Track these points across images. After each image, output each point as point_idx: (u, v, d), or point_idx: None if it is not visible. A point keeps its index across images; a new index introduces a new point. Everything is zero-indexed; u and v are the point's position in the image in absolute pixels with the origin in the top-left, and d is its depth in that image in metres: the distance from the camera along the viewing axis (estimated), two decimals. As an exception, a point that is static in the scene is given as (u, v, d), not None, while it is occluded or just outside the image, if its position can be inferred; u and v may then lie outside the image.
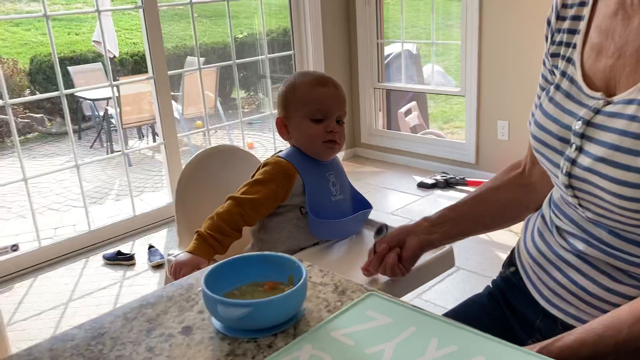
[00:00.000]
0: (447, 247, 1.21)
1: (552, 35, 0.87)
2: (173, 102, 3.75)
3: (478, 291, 1.07)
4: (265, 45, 3.91)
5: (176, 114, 4.80)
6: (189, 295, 0.82)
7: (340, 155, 4.27)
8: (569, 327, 0.80)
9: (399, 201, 3.41)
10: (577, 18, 0.82)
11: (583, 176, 0.74)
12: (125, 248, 3.03)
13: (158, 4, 3.09)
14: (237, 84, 4.16)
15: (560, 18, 0.86)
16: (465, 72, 3.56)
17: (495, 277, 1.05)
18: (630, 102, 0.69)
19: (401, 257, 1.04)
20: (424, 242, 1.05)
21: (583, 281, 0.79)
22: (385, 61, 4.35)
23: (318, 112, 1.28)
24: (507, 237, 2.83)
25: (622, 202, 0.69)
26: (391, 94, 4.47)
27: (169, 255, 1.38)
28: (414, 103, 4.59)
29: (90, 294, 2.62)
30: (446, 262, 1.21)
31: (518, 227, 1.02)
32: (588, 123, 0.74)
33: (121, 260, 2.88)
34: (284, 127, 1.33)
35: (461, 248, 2.77)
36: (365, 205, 1.36)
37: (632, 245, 0.74)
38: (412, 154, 4.02)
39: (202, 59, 4.88)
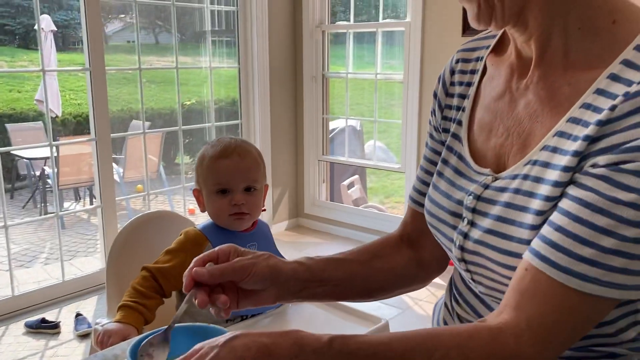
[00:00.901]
0: (382, 321, 1.22)
1: (442, 111, 0.90)
2: (114, 164, 3.69)
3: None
4: (212, 113, 3.95)
5: (116, 177, 4.71)
6: (113, 366, 0.78)
7: (283, 225, 4.27)
8: None
9: (339, 273, 3.39)
10: (463, 96, 0.87)
11: (474, 249, 0.76)
12: (50, 315, 2.86)
13: (106, 67, 3.10)
14: (181, 149, 4.15)
15: (448, 95, 0.90)
16: (406, 150, 3.70)
17: None
18: (515, 176, 0.73)
19: (243, 297, 0.79)
20: (285, 297, 0.83)
21: None
22: (330, 135, 4.47)
23: (220, 185, 1.29)
24: (443, 313, 2.86)
25: (508, 272, 0.71)
26: (334, 167, 4.57)
27: (96, 323, 1.32)
28: (356, 177, 4.69)
29: (6, 365, 2.44)
30: (381, 336, 1.21)
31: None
32: (479, 198, 0.77)
33: (45, 328, 2.71)
34: (200, 198, 1.34)
35: (398, 324, 2.77)
36: None
37: None
38: (354, 227, 4.07)
39: (147, 123, 4.87)
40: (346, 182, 4.52)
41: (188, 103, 7.43)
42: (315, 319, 1.25)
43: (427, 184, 0.92)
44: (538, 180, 0.70)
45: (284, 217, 4.30)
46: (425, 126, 3.57)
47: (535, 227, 0.68)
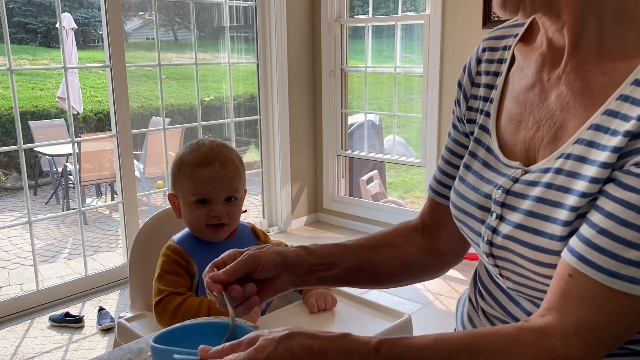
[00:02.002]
0: (405, 315, 1.21)
1: (467, 101, 0.88)
2: (135, 161, 3.72)
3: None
4: (231, 109, 3.96)
5: (137, 173, 4.75)
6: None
7: (302, 220, 4.27)
8: None
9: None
10: (490, 87, 0.84)
11: (503, 244, 0.74)
12: (74, 310, 2.90)
13: (126, 64, 3.12)
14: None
15: (474, 84, 0.87)
16: (426, 144, 3.67)
17: None
18: (546, 170, 0.71)
19: (259, 290, 0.81)
20: (298, 283, 0.85)
21: None
22: (349, 130, 4.45)
23: (200, 195, 1.23)
24: (464, 308, 2.84)
25: (538, 268, 0.70)
26: (354, 162, 4.55)
27: (119, 318, 1.33)
28: (375, 172, 4.67)
29: (32, 358, 2.48)
30: (404, 332, 1.21)
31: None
32: (508, 192, 0.75)
33: (69, 322, 2.75)
34: (176, 204, 1.29)
35: (420, 319, 2.75)
36: None
37: None
38: (373, 222, 4.05)
39: (167, 120, 4.90)
40: (365, 177, 4.51)
41: (207, 99, 7.47)
42: (338, 313, 1.24)
43: (447, 175, 0.91)
44: (573, 175, 0.68)
45: (303, 212, 4.30)
46: (446, 120, 3.54)
47: (569, 223, 0.66)
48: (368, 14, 4.10)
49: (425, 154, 3.68)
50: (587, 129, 0.68)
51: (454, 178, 0.88)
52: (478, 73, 0.87)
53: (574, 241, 0.65)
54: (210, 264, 0.80)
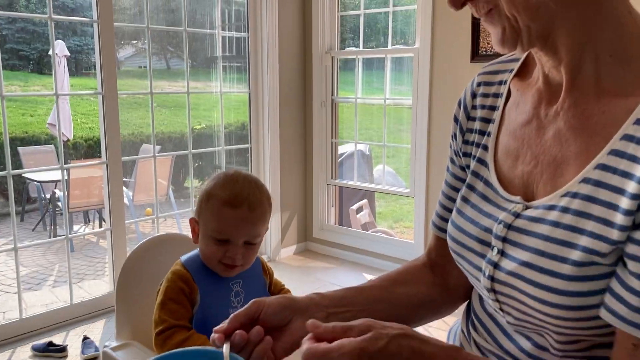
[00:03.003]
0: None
1: (463, 134, 0.88)
2: (124, 188, 3.71)
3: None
4: (222, 137, 3.98)
5: (126, 200, 4.73)
6: (122, 390, 0.78)
7: (291, 249, 4.26)
8: None
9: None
10: (487, 120, 0.84)
11: (506, 280, 0.73)
12: (58, 339, 2.85)
13: (118, 92, 3.14)
14: (191, 173, 4.18)
15: (470, 118, 0.87)
16: (415, 175, 3.70)
17: None
18: (551, 207, 0.71)
19: (275, 341, 0.76)
20: None
21: None
22: (339, 159, 4.48)
23: (220, 234, 1.21)
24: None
25: (545, 307, 0.69)
26: (343, 191, 4.57)
27: (105, 347, 1.31)
28: (365, 201, 4.69)
29: (12, 388, 2.42)
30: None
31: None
32: (510, 226, 0.74)
33: (52, 352, 2.70)
34: (195, 229, 1.27)
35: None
36: None
37: (547, 353, 0.74)
38: (362, 251, 4.05)
39: (157, 147, 4.91)
40: (355, 207, 4.52)
41: (198, 127, 7.50)
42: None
43: (448, 210, 0.91)
44: (581, 214, 0.67)
45: (293, 241, 4.29)
46: (434, 151, 3.58)
47: (582, 264, 0.66)
48: (359, 47, 4.17)
49: (414, 184, 3.71)
50: (593, 168, 0.68)
51: None
52: (473, 107, 0.88)
53: (624, 311, 0.64)
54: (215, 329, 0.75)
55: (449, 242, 0.85)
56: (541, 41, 0.71)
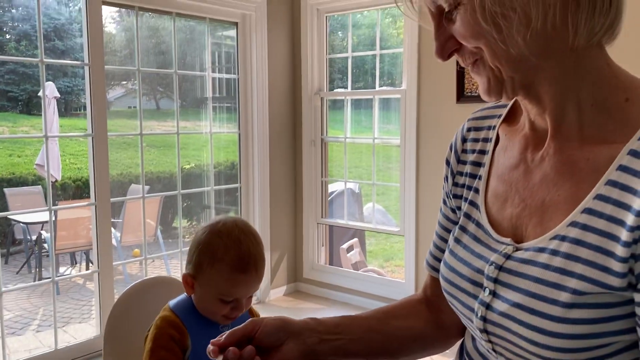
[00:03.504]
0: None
1: (454, 177, 0.91)
2: (112, 228, 3.68)
3: None
4: (212, 177, 3.98)
5: (114, 241, 4.68)
6: None
7: (281, 290, 4.21)
8: None
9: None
10: (477, 164, 0.87)
11: (498, 321, 0.74)
12: (41, 385, 2.77)
13: (108, 133, 3.15)
14: (180, 213, 4.15)
15: (460, 162, 0.90)
16: (404, 213, 3.71)
17: None
18: (541, 250, 0.72)
19: (268, 358, 0.81)
20: (308, 352, 0.84)
21: None
22: (329, 198, 4.49)
23: (230, 296, 1.22)
24: (447, 381, 2.78)
25: (535, 348, 0.69)
26: (334, 230, 4.56)
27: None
28: (355, 240, 4.68)
29: None
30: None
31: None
32: (500, 268, 0.75)
33: (35, 399, 2.62)
34: (190, 283, 1.25)
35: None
36: None
37: None
38: (353, 291, 4.01)
39: (146, 187, 4.89)
40: (345, 246, 4.50)
41: (187, 167, 7.50)
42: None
43: (442, 250, 0.92)
44: (570, 257, 0.69)
45: (283, 282, 4.25)
46: (423, 189, 3.60)
47: (572, 306, 0.67)
48: (347, 87, 4.23)
49: (404, 222, 3.71)
50: (580, 212, 0.70)
51: None
52: (464, 151, 0.90)
53: None
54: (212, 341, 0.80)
55: (442, 282, 0.86)
56: (524, 90, 0.74)
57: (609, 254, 0.66)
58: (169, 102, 10.38)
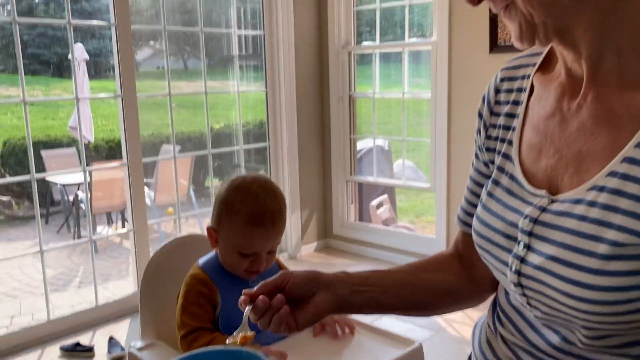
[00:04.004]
0: (416, 343, 1.20)
1: (487, 130, 0.88)
2: (145, 188, 3.74)
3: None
4: (241, 136, 3.99)
5: (148, 201, 4.77)
6: (148, 392, 0.78)
7: (312, 246, 4.26)
8: None
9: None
10: (511, 115, 0.84)
11: (533, 275, 0.73)
12: (85, 339, 2.89)
13: (137, 94, 3.17)
14: (211, 172, 4.19)
15: (494, 114, 0.87)
16: (435, 169, 3.67)
17: None
18: (578, 201, 0.70)
19: (299, 311, 0.82)
20: (340, 303, 0.84)
21: None
22: (358, 155, 4.46)
23: (247, 250, 1.24)
24: (478, 334, 2.80)
25: (571, 301, 0.68)
26: (363, 187, 4.55)
27: (130, 347, 1.32)
28: (385, 196, 4.67)
29: (42, 388, 2.47)
30: (416, 360, 1.19)
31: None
32: (535, 221, 0.74)
33: (80, 352, 2.74)
34: (214, 237, 1.28)
35: (431, 346, 2.72)
36: None
37: (573, 358, 0.74)
38: (383, 247, 4.03)
39: (177, 147, 4.94)
40: (375, 202, 4.50)
41: (217, 127, 7.54)
42: (348, 341, 1.23)
43: (473, 205, 0.91)
44: (609, 208, 0.67)
45: (313, 239, 4.29)
46: (454, 144, 3.54)
47: (609, 258, 0.65)
48: (375, 41, 4.14)
49: (435, 178, 3.68)
50: (620, 161, 0.67)
51: None
52: (497, 102, 0.87)
53: None
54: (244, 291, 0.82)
55: (474, 237, 0.85)
56: (558, 36, 0.70)
57: None
58: (197, 61, 10.36)
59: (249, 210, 1.22)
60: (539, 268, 0.72)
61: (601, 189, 0.68)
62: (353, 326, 1.25)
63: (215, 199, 1.29)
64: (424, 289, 0.92)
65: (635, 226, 0.64)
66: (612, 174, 0.67)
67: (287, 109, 3.95)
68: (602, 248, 0.66)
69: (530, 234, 0.74)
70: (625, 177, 0.66)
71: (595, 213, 0.68)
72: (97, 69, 10.55)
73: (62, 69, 10.49)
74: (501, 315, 0.86)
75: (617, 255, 0.65)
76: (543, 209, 0.74)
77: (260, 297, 0.79)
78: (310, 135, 4.15)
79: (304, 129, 4.09)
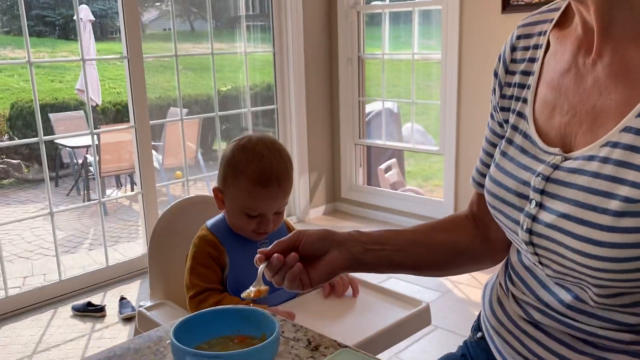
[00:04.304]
0: (423, 304, 1.20)
1: (502, 89, 0.87)
2: (153, 151, 3.74)
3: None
4: (248, 99, 3.96)
5: (156, 164, 4.78)
6: (157, 348, 0.79)
7: (320, 209, 4.27)
8: None
9: (377, 257, 3.39)
10: (526, 73, 0.83)
11: (545, 233, 0.72)
12: (96, 299, 2.94)
13: (143, 55, 3.13)
14: (219, 135, 4.18)
15: (509, 72, 0.86)
16: (445, 132, 3.63)
17: (466, 339, 1.03)
18: (591, 158, 0.69)
19: (312, 269, 0.84)
20: (353, 261, 0.86)
21: (542, 352, 0.79)
22: (367, 118, 4.43)
23: (254, 211, 1.22)
24: (484, 296, 2.82)
25: (583, 259, 0.68)
26: (372, 151, 4.53)
27: (139, 307, 1.34)
28: (394, 160, 4.64)
29: (56, 346, 2.52)
30: (422, 320, 1.20)
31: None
32: (548, 179, 0.73)
33: (91, 311, 2.79)
34: (220, 197, 1.28)
35: (438, 307, 2.74)
36: None
37: (584, 316, 0.74)
38: (391, 210, 4.03)
39: (185, 110, 4.92)
40: (383, 166, 4.48)
41: (224, 89, 7.49)
42: (355, 301, 1.24)
43: (487, 166, 0.90)
44: (623, 164, 0.66)
45: (321, 202, 4.30)
46: (464, 107, 3.50)
47: (623, 214, 0.64)
48: (385, 0, 4.05)
49: (444, 141, 3.65)
50: (635, 116, 0.66)
51: None
52: (513, 60, 0.86)
53: None
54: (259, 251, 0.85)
55: (487, 196, 0.84)
56: None
57: None
58: (203, 22, 10.23)
59: (255, 170, 1.20)
60: (550, 226, 0.71)
61: (615, 144, 0.67)
62: (357, 287, 1.26)
63: (220, 160, 1.28)
64: (437, 249, 0.92)
65: None
66: (627, 129, 0.66)
67: (295, 71, 3.91)
68: (614, 204, 0.65)
69: (542, 192, 0.73)
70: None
71: (608, 169, 0.67)
72: (104, 30, 10.45)
73: (67, 31, 10.39)
74: (512, 274, 0.86)
75: (629, 212, 0.64)
76: (556, 167, 0.73)
77: (275, 255, 0.82)
78: (318, 98, 4.11)
79: (312, 91, 4.04)
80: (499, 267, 0.95)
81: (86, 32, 5.29)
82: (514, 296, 0.85)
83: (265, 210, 1.23)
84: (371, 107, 4.68)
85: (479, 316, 0.99)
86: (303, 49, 3.91)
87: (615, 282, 0.67)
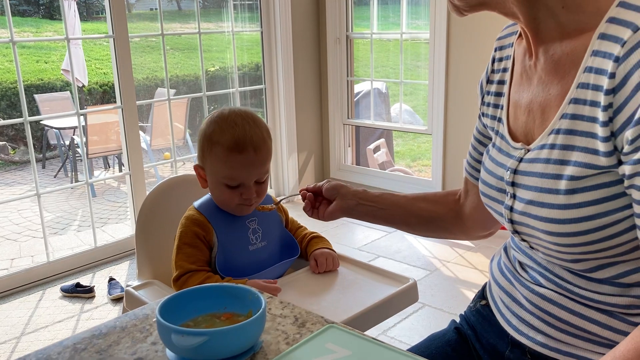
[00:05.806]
0: (410, 280, 1.21)
1: (483, 97, 0.98)
2: (141, 132, 3.72)
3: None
4: (236, 79, 3.93)
5: (144, 145, 4.75)
6: (143, 326, 0.79)
7: (308, 189, 4.27)
8: (538, 355, 0.85)
9: (366, 237, 3.41)
10: (501, 82, 0.94)
11: (520, 220, 0.82)
12: (84, 280, 2.94)
13: (129, 35, 3.09)
14: (206, 116, 4.16)
15: (489, 82, 0.97)
16: (433, 112, 3.63)
17: (463, 312, 1.09)
18: (542, 147, 0.79)
19: (323, 207, 1.18)
20: (348, 210, 1.15)
21: (550, 307, 0.83)
22: (355, 98, 4.41)
23: (233, 180, 1.21)
24: (473, 275, 2.85)
25: (552, 237, 0.76)
26: (360, 131, 4.53)
27: (127, 286, 1.34)
28: (382, 140, 4.65)
29: (45, 327, 2.52)
30: (410, 297, 1.21)
31: (485, 265, 1.07)
32: (515, 171, 0.83)
33: (80, 292, 2.79)
34: (202, 175, 1.27)
35: (426, 285, 2.77)
36: (292, 251, 1.32)
37: (584, 280, 0.79)
38: (380, 190, 4.04)
39: (172, 91, 4.88)
40: (372, 146, 4.49)
41: (212, 69, 7.42)
42: (344, 279, 1.25)
43: (474, 159, 1.04)
44: (566, 147, 0.75)
45: (310, 182, 4.30)
46: (452, 86, 3.50)
47: (572, 192, 0.73)
48: (373, -21, 4.01)
49: (432, 121, 3.65)
50: (567, 103, 0.75)
51: (478, 161, 1.02)
52: (493, 71, 0.97)
53: None
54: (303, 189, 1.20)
55: (481, 196, 0.95)
56: (476, 8, 0.81)
57: (595, 136, 0.71)
58: (190, 2, 10.09)
59: (229, 138, 1.19)
60: (522, 213, 0.81)
61: (557, 131, 0.76)
62: (337, 262, 1.31)
63: (197, 137, 1.27)
64: (413, 214, 1.13)
65: (587, 159, 0.72)
66: (564, 115, 0.76)
67: (283, 50, 3.88)
68: (563, 184, 0.74)
69: (512, 184, 0.84)
70: (574, 116, 0.74)
71: (556, 154, 0.76)
72: (89, 10, 10.29)
73: (52, 10, 10.22)
74: (516, 249, 0.93)
75: (577, 189, 0.73)
76: (520, 160, 0.83)
77: (304, 191, 1.21)
78: (306, 77, 4.09)
79: (300, 71, 4.02)
80: (495, 242, 1.04)
81: (71, 11, 5.20)
82: (519, 262, 0.92)
83: (244, 179, 1.22)
84: (360, 87, 4.67)
85: (482, 287, 1.07)
86: (291, 29, 3.88)
87: (586, 255, 0.74)
